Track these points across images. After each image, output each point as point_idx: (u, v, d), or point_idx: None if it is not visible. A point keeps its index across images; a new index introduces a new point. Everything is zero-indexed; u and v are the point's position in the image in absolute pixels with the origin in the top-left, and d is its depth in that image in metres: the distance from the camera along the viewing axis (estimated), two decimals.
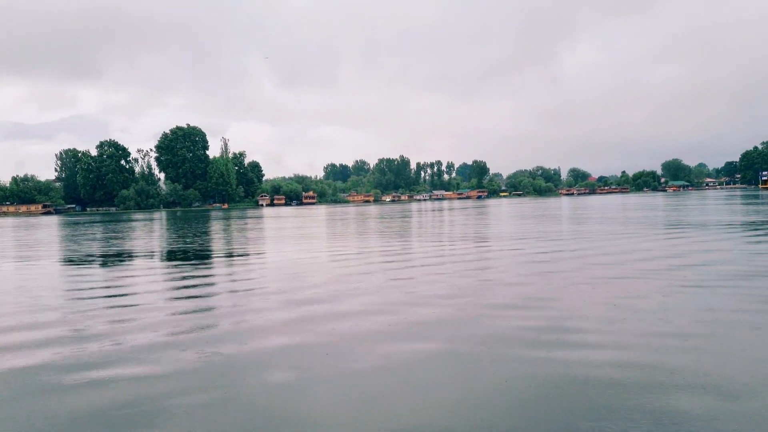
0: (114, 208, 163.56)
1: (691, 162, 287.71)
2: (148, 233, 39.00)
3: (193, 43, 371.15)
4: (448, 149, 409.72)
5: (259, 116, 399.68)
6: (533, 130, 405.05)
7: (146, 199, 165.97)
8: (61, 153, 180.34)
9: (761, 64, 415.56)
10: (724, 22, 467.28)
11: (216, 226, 45.45)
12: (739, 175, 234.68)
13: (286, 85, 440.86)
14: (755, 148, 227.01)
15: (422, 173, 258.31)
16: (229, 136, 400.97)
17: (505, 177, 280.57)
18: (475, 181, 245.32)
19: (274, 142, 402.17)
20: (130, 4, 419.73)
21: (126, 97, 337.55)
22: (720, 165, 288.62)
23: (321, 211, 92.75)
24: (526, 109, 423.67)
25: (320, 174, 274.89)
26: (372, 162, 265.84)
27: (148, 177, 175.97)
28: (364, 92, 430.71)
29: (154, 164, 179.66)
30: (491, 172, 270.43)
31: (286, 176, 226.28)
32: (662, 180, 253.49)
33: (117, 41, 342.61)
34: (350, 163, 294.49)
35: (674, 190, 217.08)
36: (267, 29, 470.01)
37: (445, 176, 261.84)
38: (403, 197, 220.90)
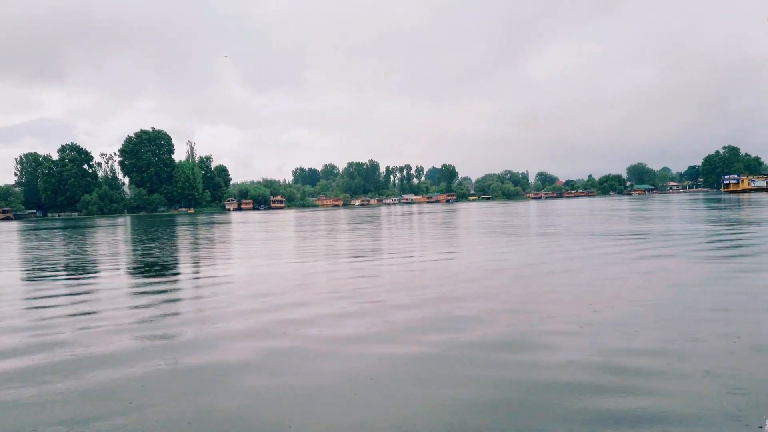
0: (76, 213, 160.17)
1: (655, 166, 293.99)
2: (105, 241, 37.71)
3: (161, 46, 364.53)
4: (419, 153, 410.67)
5: (229, 120, 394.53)
6: (503, 134, 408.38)
7: (110, 204, 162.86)
8: (21, 157, 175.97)
9: (723, 71, 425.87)
10: (689, 29, 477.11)
11: (171, 233, 44.24)
12: (701, 179, 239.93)
13: (256, 89, 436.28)
14: (717, 152, 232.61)
15: (392, 177, 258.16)
16: (198, 139, 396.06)
17: (474, 181, 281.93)
18: (445, 185, 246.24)
19: (244, 145, 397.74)
20: (96, 6, 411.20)
21: (92, 100, 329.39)
22: (683, 169, 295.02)
23: (286, 216, 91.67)
24: (495, 113, 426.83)
25: (290, 178, 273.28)
26: (341, 166, 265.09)
27: (112, 181, 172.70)
28: (335, 96, 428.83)
29: (118, 168, 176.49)
30: (460, 176, 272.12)
31: (255, 180, 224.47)
32: (627, 183, 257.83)
33: (82, 43, 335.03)
34: (319, 167, 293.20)
35: (639, 194, 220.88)
36: (237, 32, 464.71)
37: (415, 180, 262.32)
38: (372, 201, 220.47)
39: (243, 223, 62.27)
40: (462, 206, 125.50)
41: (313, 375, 6.69)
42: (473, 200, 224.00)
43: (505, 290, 11.80)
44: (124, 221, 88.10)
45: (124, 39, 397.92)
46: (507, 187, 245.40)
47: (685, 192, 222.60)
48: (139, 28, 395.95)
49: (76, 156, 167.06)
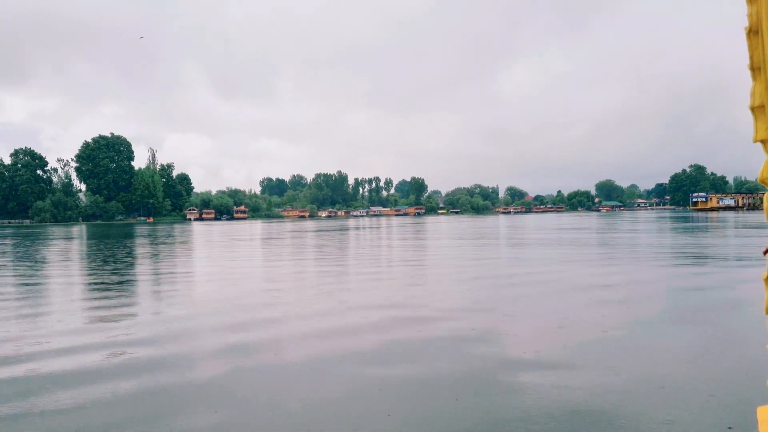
0: (28, 221, 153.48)
1: (623, 183, 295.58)
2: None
3: (128, 51, 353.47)
4: (389, 165, 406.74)
5: (197, 128, 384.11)
6: (473, 147, 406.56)
7: (64, 211, 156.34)
8: None
9: (688, 92, 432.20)
10: (655, 49, 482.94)
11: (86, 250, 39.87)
12: (668, 197, 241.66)
13: (225, 97, 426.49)
14: (683, 171, 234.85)
15: (360, 189, 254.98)
16: (167, 147, 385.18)
17: (443, 194, 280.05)
18: (413, 197, 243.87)
19: (213, 154, 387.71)
20: (59, 7, 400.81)
21: (56, 105, 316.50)
22: (650, 186, 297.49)
23: (242, 227, 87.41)
24: (466, 126, 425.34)
25: (257, 188, 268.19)
26: (310, 177, 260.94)
27: (67, 188, 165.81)
28: (304, 106, 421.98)
29: (74, 175, 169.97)
30: (430, 189, 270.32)
31: (222, 189, 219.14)
32: (596, 200, 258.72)
33: (45, 45, 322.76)
34: (287, 178, 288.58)
35: (607, 210, 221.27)
36: (205, 40, 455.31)
37: (384, 193, 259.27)
38: (339, 213, 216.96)
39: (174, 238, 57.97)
40: (431, 220, 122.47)
41: None
42: (442, 214, 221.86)
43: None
44: (78, 230, 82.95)
45: (88, 42, 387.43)
46: (476, 201, 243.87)
47: (652, 209, 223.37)
48: (104, 31, 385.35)
49: (29, 161, 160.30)
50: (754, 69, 1.52)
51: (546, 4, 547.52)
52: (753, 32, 1.50)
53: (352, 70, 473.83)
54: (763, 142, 1.57)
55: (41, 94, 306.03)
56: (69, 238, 53.29)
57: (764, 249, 1.53)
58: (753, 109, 1.56)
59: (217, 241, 42.10)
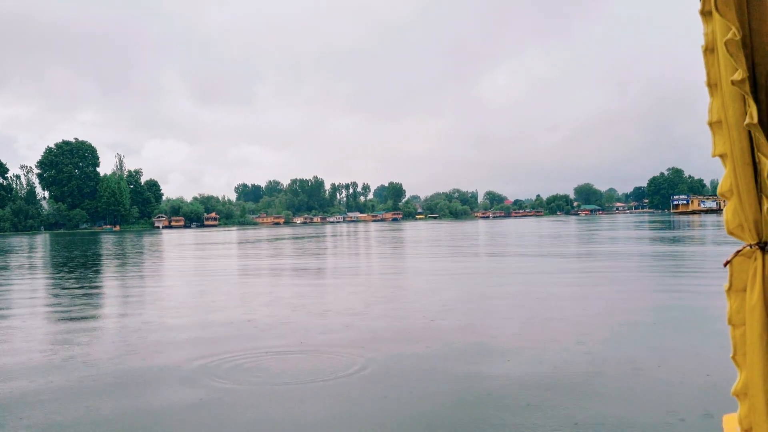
0: None
1: (602, 187, 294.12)
2: None
3: (105, 57, 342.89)
4: (369, 171, 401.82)
5: (177, 134, 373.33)
6: (452, 153, 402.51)
7: (25, 219, 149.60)
8: None
9: (666, 96, 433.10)
10: (634, 54, 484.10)
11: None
12: (647, 200, 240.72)
13: (204, 103, 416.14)
14: (662, 174, 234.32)
15: (337, 194, 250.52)
16: (144, 154, 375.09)
17: (422, 199, 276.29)
18: (391, 203, 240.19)
19: (193, 161, 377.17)
20: (33, 11, 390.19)
21: (32, 112, 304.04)
22: (629, 190, 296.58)
23: (206, 236, 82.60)
24: (447, 131, 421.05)
25: (233, 194, 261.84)
26: (286, 182, 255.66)
27: (29, 195, 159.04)
28: (285, 112, 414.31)
29: (37, 182, 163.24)
30: (409, 194, 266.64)
31: (197, 196, 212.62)
32: (575, 204, 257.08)
33: (19, 50, 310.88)
34: (263, 184, 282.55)
35: (586, 214, 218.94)
36: (184, 44, 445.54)
37: (361, 198, 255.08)
38: (315, 219, 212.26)
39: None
40: (409, 225, 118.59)
41: None
42: (420, 219, 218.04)
43: None
44: (28, 241, 77.46)
45: (64, 47, 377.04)
46: (455, 206, 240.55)
47: (631, 213, 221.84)
48: (80, 37, 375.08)
49: None
50: (711, 85, 1.58)
51: (526, 8, 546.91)
52: (709, 50, 1.55)
53: (334, 75, 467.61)
54: (721, 156, 1.63)
55: (16, 101, 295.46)
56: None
57: (724, 261, 1.70)
58: (711, 124, 1.62)
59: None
